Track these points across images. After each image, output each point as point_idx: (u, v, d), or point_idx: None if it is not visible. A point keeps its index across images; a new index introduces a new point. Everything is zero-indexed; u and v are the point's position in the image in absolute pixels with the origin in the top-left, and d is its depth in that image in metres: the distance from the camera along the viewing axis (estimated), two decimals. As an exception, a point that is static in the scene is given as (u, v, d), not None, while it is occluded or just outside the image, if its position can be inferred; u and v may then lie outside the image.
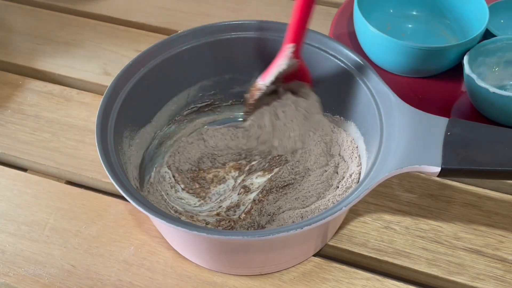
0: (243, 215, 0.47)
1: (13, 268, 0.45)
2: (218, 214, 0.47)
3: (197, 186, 0.49)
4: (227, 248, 0.42)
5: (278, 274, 0.45)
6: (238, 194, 0.49)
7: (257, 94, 0.49)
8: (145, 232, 0.48)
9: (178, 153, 0.51)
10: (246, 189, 0.49)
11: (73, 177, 0.53)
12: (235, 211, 0.47)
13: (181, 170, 0.50)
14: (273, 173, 0.50)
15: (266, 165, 0.51)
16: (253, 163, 0.51)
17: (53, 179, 0.52)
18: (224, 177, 0.50)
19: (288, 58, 0.47)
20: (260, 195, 0.48)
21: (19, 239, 0.47)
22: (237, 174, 0.50)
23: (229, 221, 0.47)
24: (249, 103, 0.50)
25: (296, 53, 0.47)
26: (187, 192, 0.49)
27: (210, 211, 0.48)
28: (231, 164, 0.51)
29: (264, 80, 0.49)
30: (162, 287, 0.44)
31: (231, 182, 0.50)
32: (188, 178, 0.50)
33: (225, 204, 0.48)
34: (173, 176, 0.50)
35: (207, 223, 0.46)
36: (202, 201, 0.48)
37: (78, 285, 0.44)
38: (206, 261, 0.45)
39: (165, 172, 0.50)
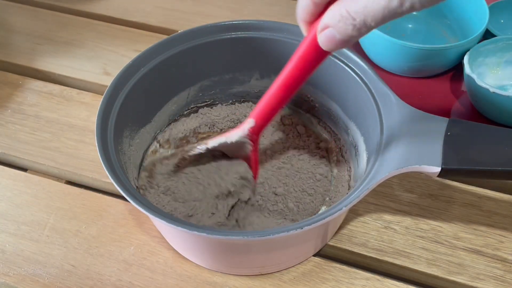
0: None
1: (13, 268, 0.45)
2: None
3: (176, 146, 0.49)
4: (227, 248, 0.42)
5: (278, 274, 0.45)
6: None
7: (193, 152, 0.46)
8: (145, 232, 0.48)
9: (171, 129, 0.51)
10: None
11: (73, 177, 0.53)
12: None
13: (173, 138, 0.50)
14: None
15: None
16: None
17: (53, 179, 0.52)
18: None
19: (242, 134, 0.43)
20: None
21: (19, 239, 0.47)
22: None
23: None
24: (183, 157, 0.46)
25: (254, 135, 0.43)
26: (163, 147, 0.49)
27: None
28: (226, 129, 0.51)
29: (207, 144, 0.45)
30: (162, 287, 0.44)
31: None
32: (174, 142, 0.50)
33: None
34: (160, 146, 0.50)
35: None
36: None
37: (78, 285, 0.44)
38: (206, 261, 0.45)
39: (154, 146, 0.50)
